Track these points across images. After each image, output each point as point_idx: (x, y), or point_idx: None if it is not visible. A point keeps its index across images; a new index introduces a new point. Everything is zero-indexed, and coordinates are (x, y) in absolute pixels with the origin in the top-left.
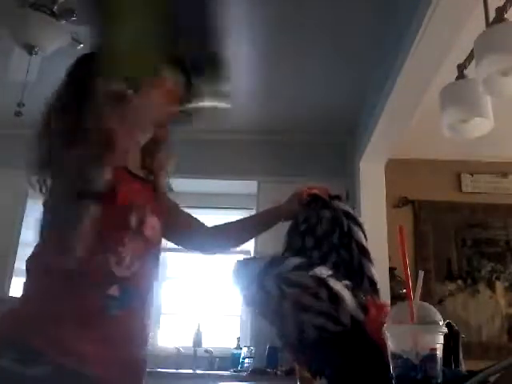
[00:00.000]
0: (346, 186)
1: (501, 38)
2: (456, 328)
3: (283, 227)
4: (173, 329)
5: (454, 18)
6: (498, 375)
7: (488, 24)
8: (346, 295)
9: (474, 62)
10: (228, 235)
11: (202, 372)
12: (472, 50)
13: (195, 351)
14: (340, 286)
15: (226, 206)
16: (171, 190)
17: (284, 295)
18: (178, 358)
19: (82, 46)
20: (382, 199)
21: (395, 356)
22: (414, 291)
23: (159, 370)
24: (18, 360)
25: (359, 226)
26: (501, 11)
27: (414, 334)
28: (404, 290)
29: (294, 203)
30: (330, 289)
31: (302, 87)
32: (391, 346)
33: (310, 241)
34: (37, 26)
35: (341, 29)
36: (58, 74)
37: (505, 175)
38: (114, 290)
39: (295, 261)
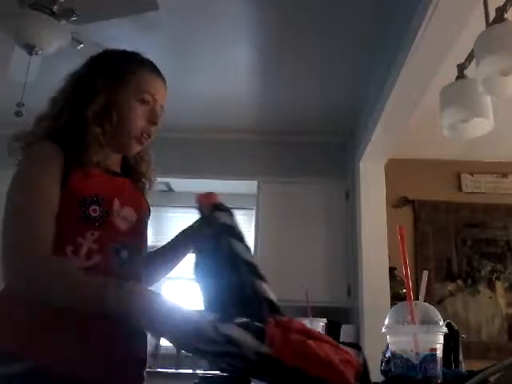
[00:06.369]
0: (345, 186)
1: (501, 38)
2: (456, 328)
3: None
4: None
5: (454, 18)
6: (497, 375)
7: (488, 24)
8: (241, 336)
9: (474, 62)
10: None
11: (203, 372)
12: (472, 50)
13: None
14: (233, 328)
15: None
16: (171, 190)
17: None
18: (178, 358)
19: (82, 46)
20: (382, 199)
21: (395, 356)
22: (415, 291)
23: (159, 369)
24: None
25: (238, 237)
26: (501, 11)
27: (414, 334)
28: (404, 290)
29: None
30: (225, 335)
31: (302, 87)
32: (391, 346)
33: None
34: (37, 26)
35: (340, 29)
36: (58, 73)
37: (505, 175)
38: None
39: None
